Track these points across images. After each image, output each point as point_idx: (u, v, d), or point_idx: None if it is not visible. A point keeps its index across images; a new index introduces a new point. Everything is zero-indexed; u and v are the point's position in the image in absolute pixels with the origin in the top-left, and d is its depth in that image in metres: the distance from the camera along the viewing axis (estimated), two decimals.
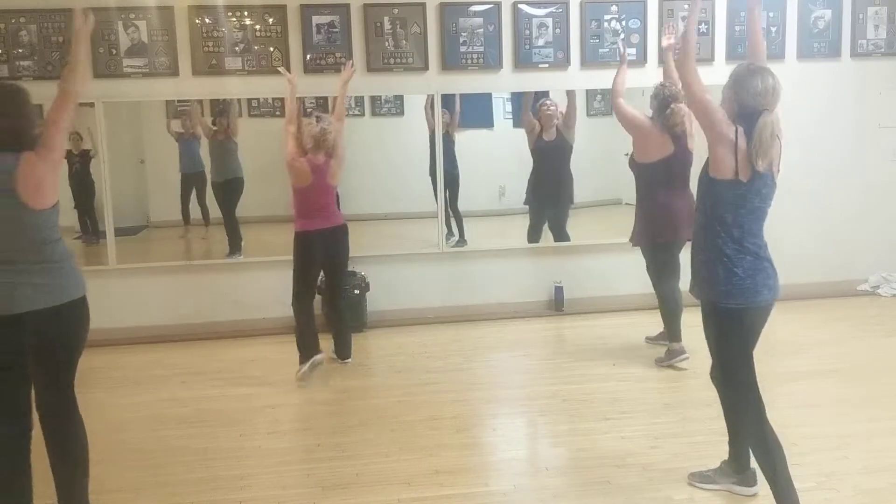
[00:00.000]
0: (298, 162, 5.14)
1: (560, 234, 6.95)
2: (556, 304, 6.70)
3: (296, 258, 5.30)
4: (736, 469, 3.50)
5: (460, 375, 5.25)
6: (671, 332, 5.27)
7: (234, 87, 6.26)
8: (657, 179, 5.14)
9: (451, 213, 6.93)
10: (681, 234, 5.06)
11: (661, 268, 5.28)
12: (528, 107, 6.76)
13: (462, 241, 6.99)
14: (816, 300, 6.75)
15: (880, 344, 5.69)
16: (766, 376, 5.21)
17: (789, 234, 6.93)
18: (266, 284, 6.34)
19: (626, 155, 5.42)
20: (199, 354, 5.91)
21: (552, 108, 6.68)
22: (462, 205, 6.97)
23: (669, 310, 5.27)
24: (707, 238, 3.18)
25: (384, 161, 7.06)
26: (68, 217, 6.87)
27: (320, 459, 4.01)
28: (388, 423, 4.43)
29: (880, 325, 6.17)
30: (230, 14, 6.14)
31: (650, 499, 3.49)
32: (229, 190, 6.74)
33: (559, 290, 6.67)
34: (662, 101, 5.09)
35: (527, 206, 7.02)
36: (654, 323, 5.66)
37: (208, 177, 6.82)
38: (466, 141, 6.99)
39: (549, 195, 6.91)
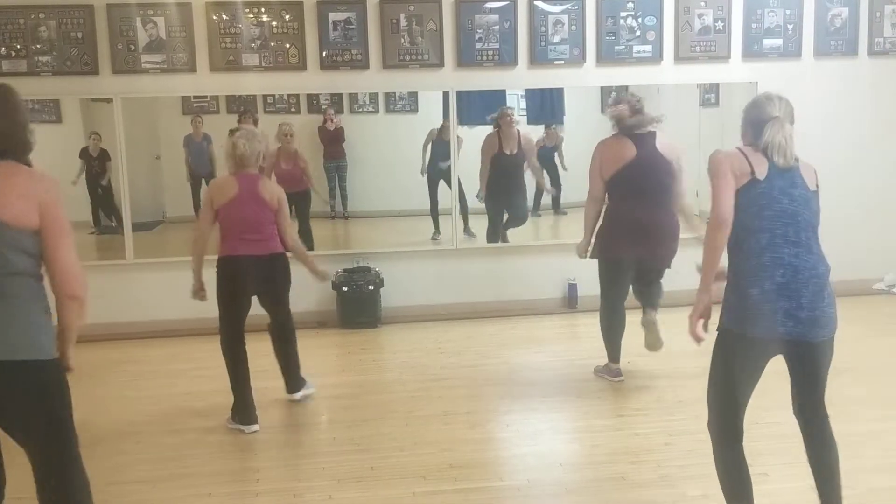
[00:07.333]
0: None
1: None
2: (570, 302, 6.70)
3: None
4: None
5: (474, 371, 5.27)
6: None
7: (251, 84, 6.30)
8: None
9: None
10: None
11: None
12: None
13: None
14: None
15: (894, 343, 5.66)
16: (779, 375, 5.19)
17: None
18: None
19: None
20: (214, 349, 5.92)
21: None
22: (472, 202, 6.97)
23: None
24: None
25: (398, 158, 7.09)
26: (83, 212, 6.96)
27: (335, 453, 4.05)
28: (403, 418, 4.46)
29: (895, 325, 6.15)
30: (247, 10, 6.17)
31: (664, 495, 3.50)
32: None
33: (573, 287, 6.67)
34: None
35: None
36: (666, 321, 5.63)
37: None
38: (475, 139, 6.98)
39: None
